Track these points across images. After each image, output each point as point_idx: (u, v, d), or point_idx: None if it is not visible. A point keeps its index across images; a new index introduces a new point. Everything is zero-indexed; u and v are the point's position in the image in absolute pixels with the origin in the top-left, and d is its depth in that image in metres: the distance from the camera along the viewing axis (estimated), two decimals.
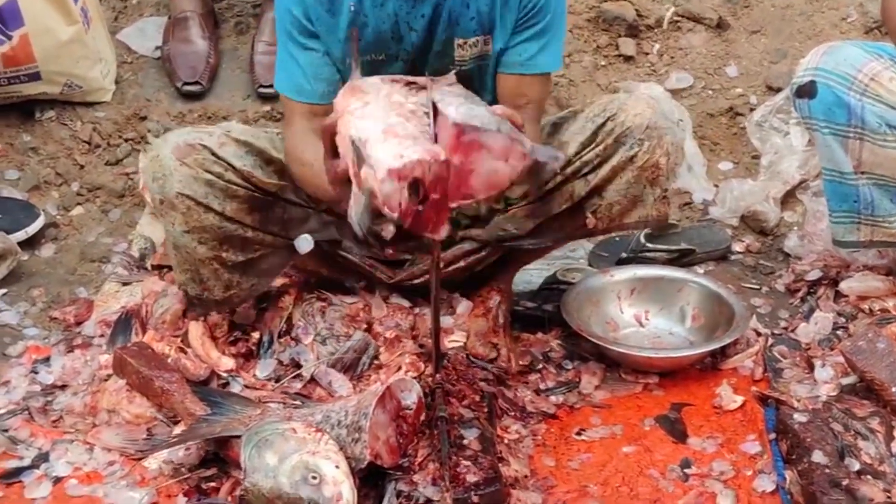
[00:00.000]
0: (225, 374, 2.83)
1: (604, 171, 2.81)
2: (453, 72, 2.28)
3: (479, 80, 2.78)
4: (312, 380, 2.83)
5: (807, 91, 2.88)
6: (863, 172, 2.91)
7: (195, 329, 2.91)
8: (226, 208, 2.74)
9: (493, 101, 2.79)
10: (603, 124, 2.81)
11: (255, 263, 2.86)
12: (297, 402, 2.72)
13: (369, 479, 2.44)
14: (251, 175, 2.77)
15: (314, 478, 2.32)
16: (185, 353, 2.86)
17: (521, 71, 2.75)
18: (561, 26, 2.79)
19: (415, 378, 2.60)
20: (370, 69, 2.68)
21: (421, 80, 2.21)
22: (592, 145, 2.81)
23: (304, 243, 2.81)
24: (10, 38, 3.61)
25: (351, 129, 2.11)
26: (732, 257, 3.46)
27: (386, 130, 2.07)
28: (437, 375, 2.59)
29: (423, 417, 2.53)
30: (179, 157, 2.70)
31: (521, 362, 2.91)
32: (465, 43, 2.72)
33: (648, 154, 2.79)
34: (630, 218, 2.89)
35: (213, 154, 2.73)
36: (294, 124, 2.74)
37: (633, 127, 2.78)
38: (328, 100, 2.69)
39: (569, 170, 2.83)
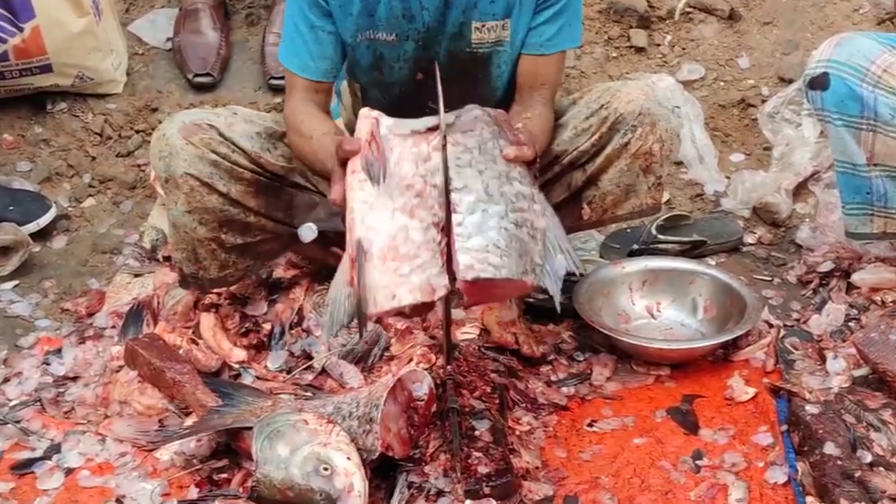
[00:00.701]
0: (236, 366, 2.84)
1: (600, 159, 2.81)
2: (476, 111, 2.32)
3: (495, 65, 2.78)
4: (324, 371, 2.84)
5: (819, 83, 2.87)
6: (876, 164, 2.91)
7: (207, 320, 2.91)
8: (230, 190, 2.74)
9: (510, 85, 2.81)
10: (597, 112, 2.80)
11: (254, 247, 2.86)
12: (309, 394, 2.73)
13: (381, 470, 2.44)
14: (259, 157, 2.77)
15: (325, 469, 2.32)
16: (197, 344, 2.86)
17: (541, 52, 2.74)
18: (578, 3, 2.78)
19: (426, 369, 2.60)
20: (382, 50, 2.72)
21: (436, 125, 2.26)
22: (588, 134, 2.80)
23: (308, 232, 2.79)
24: (21, 30, 3.61)
25: (357, 224, 2.20)
26: (744, 249, 3.45)
27: (389, 247, 2.17)
28: (449, 367, 2.58)
29: (434, 409, 2.53)
30: (186, 136, 2.69)
31: (541, 349, 2.90)
32: (483, 26, 2.70)
33: (641, 141, 2.77)
34: (622, 209, 2.88)
35: (221, 134, 2.73)
36: (294, 97, 2.75)
37: (625, 113, 2.76)
38: (330, 77, 2.75)
39: (566, 160, 2.82)
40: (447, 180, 2.21)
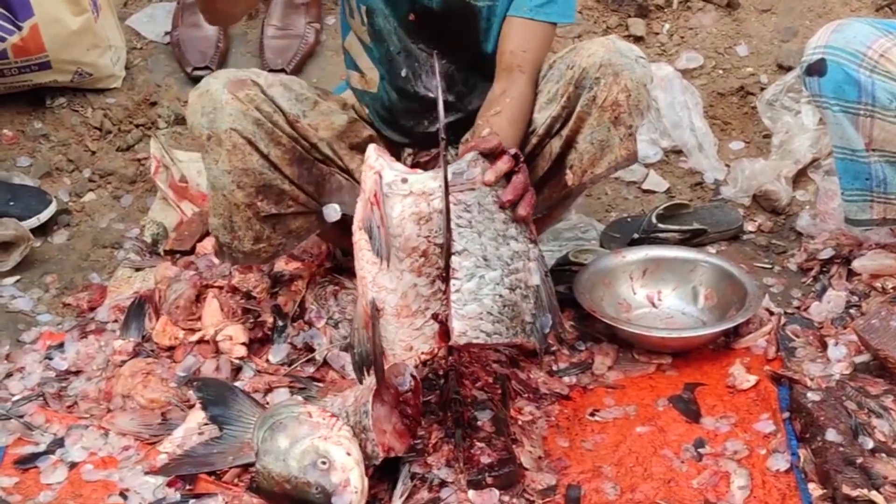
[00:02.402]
0: (237, 361, 2.84)
1: (573, 120, 2.75)
2: (476, 168, 2.35)
3: (485, 19, 2.77)
4: (325, 363, 2.84)
5: (816, 69, 2.87)
6: (874, 150, 2.90)
7: (211, 306, 2.91)
8: (270, 152, 2.70)
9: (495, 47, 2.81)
10: (564, 73, 2.76)
11: (286, 221, 2.80)
12: (302, 385, 2.74)
13: (383, 461, 2.43)
14: (297, 120, 2.75)
15: (324, 463, 2.30)
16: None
17: (529, 16, 2.72)
18: None
19: (428, 361, 2.57)
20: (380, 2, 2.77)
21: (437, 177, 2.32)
22: (557, 98, 2.76)
23: (332, 212, 2.77)
24: (20, 28, 3.62)
25: (369, 284, 2.33)
26: (744, 237, 3.46)
27: (401, 305, 2.33)
28: (451, 358, 2.59)
29: (427, 396, 2.52)
30: (232, 91, 2.65)
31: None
32: None
33: (606, 91, 2.70)
34: (600, 167, 2.79)
35: (263, 92, 2.70)
36: None
37: (587, 67, 2.71)
38: None
39: (541, 130, 2.79)
40: (448, 234, 2.29)
